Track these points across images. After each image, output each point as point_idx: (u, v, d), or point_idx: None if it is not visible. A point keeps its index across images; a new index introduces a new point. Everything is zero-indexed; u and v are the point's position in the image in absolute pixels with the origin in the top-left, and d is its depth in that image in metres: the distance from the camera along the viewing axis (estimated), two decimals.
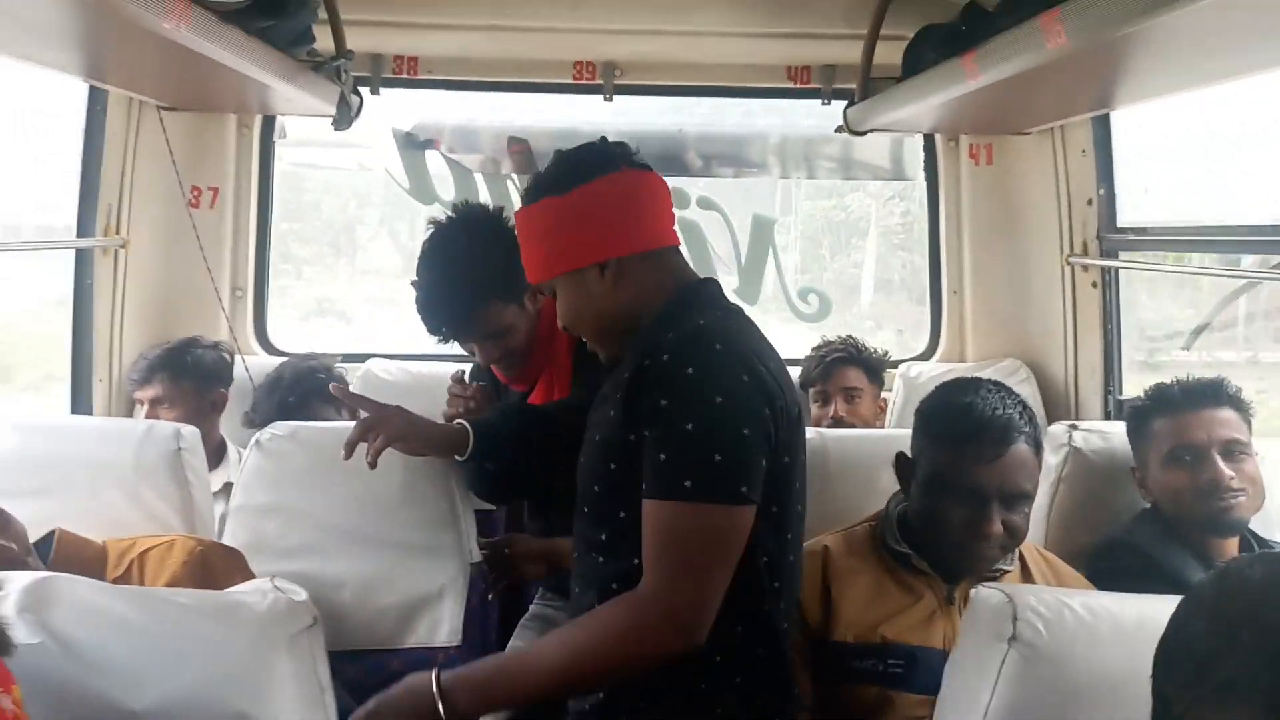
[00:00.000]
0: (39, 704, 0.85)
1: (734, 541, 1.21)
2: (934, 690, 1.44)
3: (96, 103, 2.41)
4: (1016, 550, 1.54)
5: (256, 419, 2.36)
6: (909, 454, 1.58)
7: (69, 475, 1.77)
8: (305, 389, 2.40)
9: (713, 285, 1.43)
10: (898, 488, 1.62)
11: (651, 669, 1.22)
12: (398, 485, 1.80)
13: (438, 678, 1.18)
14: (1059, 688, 1.00)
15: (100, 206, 2.47)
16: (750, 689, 1.28)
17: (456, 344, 1.91)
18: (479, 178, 3.04)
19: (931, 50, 2.14)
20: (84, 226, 2.45)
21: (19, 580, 0.98)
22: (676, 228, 1.46)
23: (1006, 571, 1.54)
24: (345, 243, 4.38)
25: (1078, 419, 2.29)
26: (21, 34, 1.67)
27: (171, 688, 0.93)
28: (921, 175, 3.04)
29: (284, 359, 2.76)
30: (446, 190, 3.02)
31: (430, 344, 1.93)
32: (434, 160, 3.03)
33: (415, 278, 1.86)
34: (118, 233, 2.51)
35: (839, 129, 2.75)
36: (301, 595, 1.02)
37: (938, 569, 1.53)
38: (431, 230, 1.87)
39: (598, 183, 1.37)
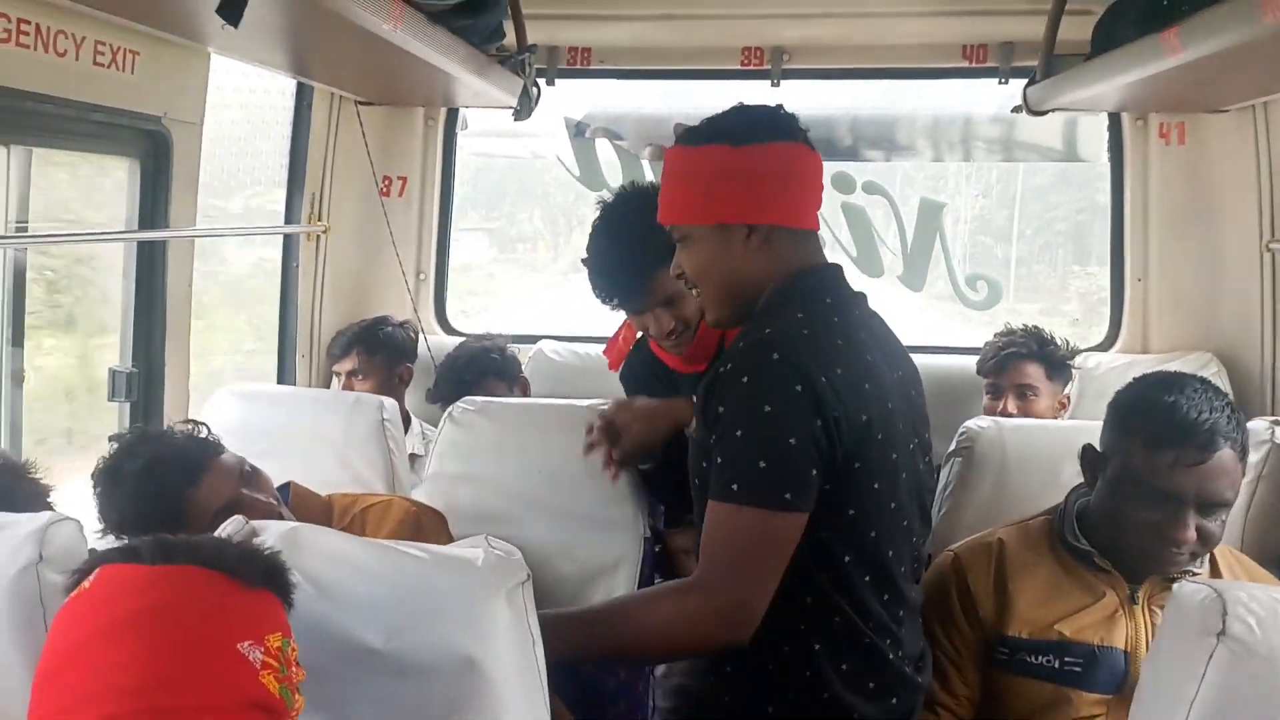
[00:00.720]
0: (300, 639, 0.95)
1: (779, 546, 1.27)
2: (1114, 690, 1.43)
3: (303, 99, 2.61)
4: (1208, 552, 1.48)
5: (437, 395, 2.53)
6: (1097, 447, 1.52)
7: (287, 440, 1.94)
8: (480, 368, 2.55)
9: (831, 272, 1.43)
10: (1078, 482, 1.56)
11: (693, 657, 1.34)
12: (578, 460, 1.88)
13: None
14: (1273, 685, 0.97)
15: (305, 195, 2.67)
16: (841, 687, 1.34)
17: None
18: (645, 164, 3.11)
19: (1128, 25, 2.04)
20: (291, 214, 2.66)
21: (274, 529, 1.10)
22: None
23: (1195, 574, 1.46)
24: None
25: (1276, 416, 2.16)
26: (248, 38, 1.84)
27: (406, 629, 1.02)
28: (1099, 156, 2.91)
29: (461, 338, 2.93)
30: (615, 177, 3.11)
31: (598, 326, 2.00)
32: (603, 148, 3.12)
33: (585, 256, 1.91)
34: (320, 219, 2.71)
35: (1016, 109, 2.66)
36: (516, 553, 1.11)
37: (1119, 568, 1.47)
38: (601, 207, 1.93)
39: (774, 146, 1.38)
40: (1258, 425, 1.85)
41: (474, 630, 1.03)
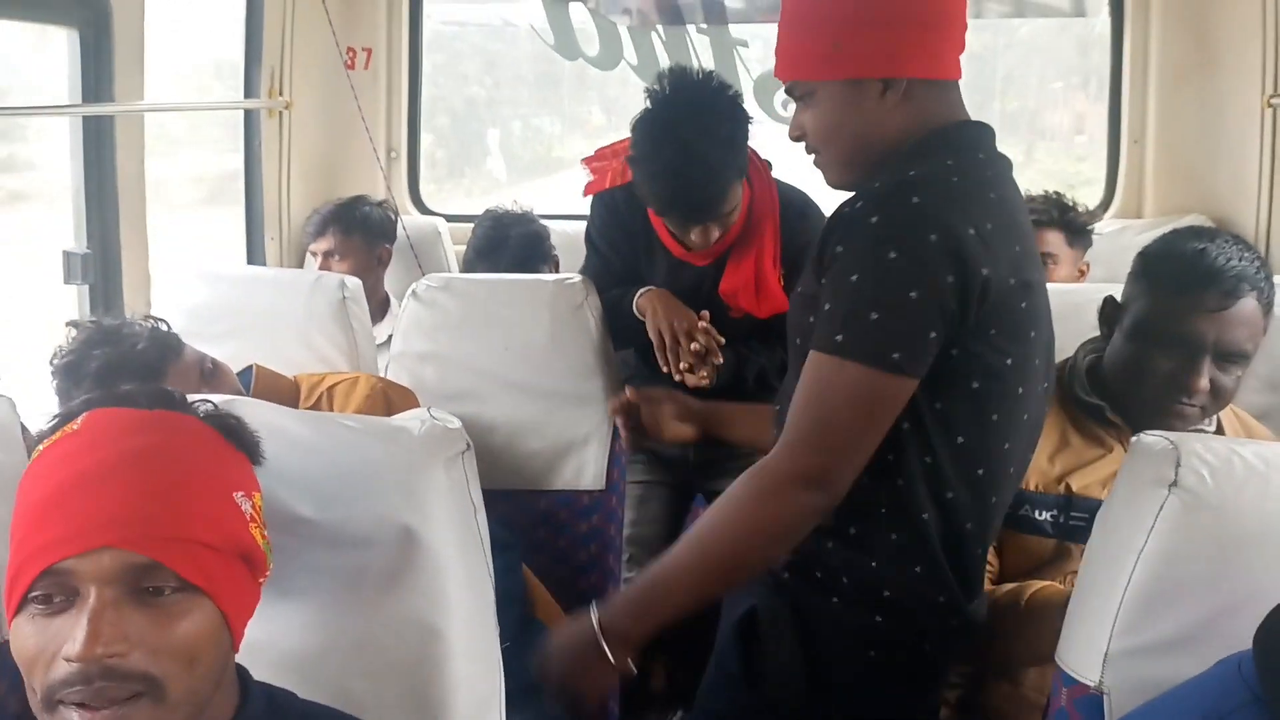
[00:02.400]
0: None
1: (879, 410, 1.11)
2: None
3: None
4: (1216, 416, 1.44)
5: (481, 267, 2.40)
6: (1118, 299, 1.46)
7: (250, 321, 1.91)
8: (533, 255, 2.40)
9: (985, 130, 1.24)
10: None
11: (789, 537, 1.14)
12: (546, 335, 1.86)
13: (599, 619, 1.17)
14: (1220, 538, 0.96)
15: (264, 69, 2.56)
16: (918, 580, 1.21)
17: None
18: (623, 30, 2.97)
19: None
20: (250, 88, 2.56)
21: (211, 400, 1.07)
22: None
23: (1205, 432, 1.42)
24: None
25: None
26: None
27: (342, 500, 1.01)
28: (1103, 10, 2.77)
29: (436, 217, 2.86)
30: (591, 45, 2.98)
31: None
32: (578, 14, 2.98)
33: (634, 151, 1.78)
34: (281, 94, 2.61)
35: None
36: (455, 423, 1.08)
37: (1129, 422, 1.43)
38: (657, 101, 1.77)
39: None
40: None
41: (411, 500, 1.02)
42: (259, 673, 0.94)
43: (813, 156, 1.28)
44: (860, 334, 1.09)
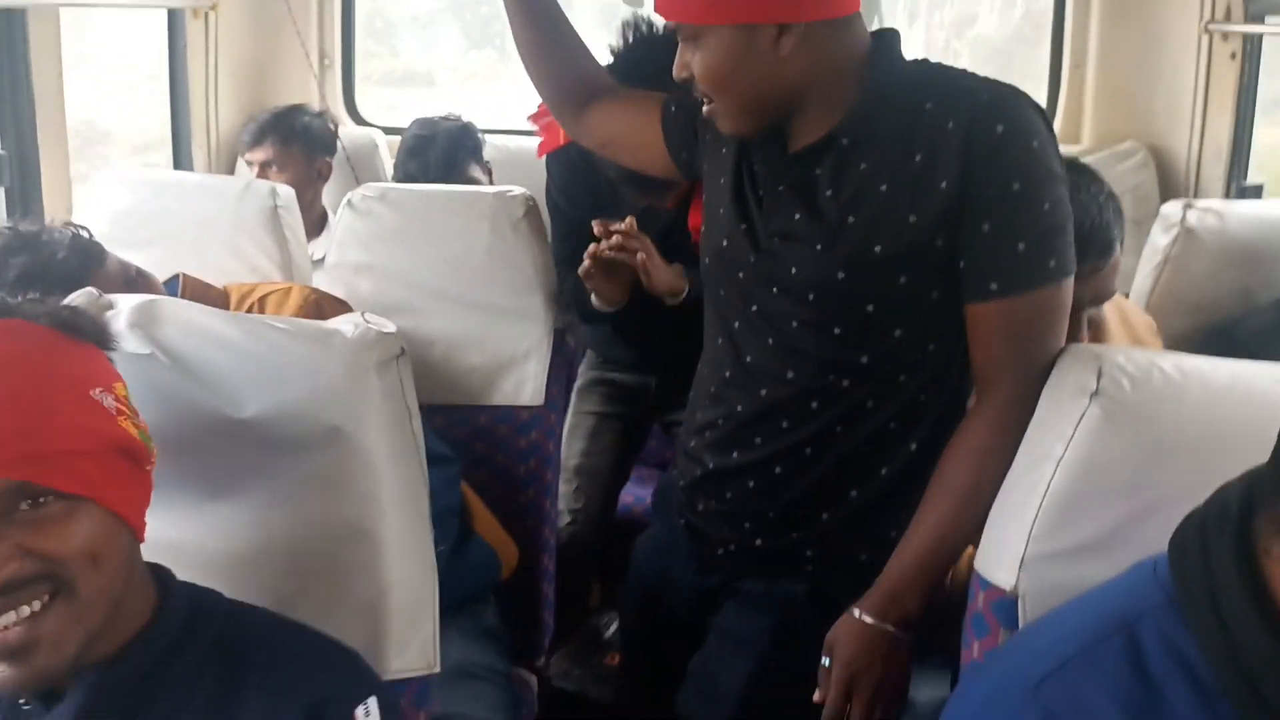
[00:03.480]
0: (150, 411, 0.91)
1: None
2: None
3: None
4: None
5: (408, 176, 2.36)
6: None
7: (176, 228, 1.84)
8: (460, 148, 2.36)
9: (894, 36, 1.16)
10: None
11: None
12: (484, 250, 1.82)
13: (874, 613, 1.14)
14: (1140, 445, 0.99)
15: None
16: None
17: None
18: None
19: None
20: None
21: (129, 300, 1.03)
22: None
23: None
24: None
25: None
26: None
27: (271, 401, 0.99)
28: None
29: (372, 128, 2.78)
30: None
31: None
32: None
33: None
34: None
35: None
36: (390, 327, 1.06)
37: None
38: (620, 59, 1.70)
39: None
40: (1171, 208, 1.83)
41: (343, 403, 1.00)
42: (186, 574, 0.93)
43: (706, 101, 1.17)
44: (1064, 252, 1.09)
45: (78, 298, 1.04)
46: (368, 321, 1.07)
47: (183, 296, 1.62)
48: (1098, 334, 1.50)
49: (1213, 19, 2.39)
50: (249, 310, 1.69)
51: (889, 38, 1.16)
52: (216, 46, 2.53)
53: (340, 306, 1.73)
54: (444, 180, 2.30)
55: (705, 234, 1.31)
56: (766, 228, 1.19)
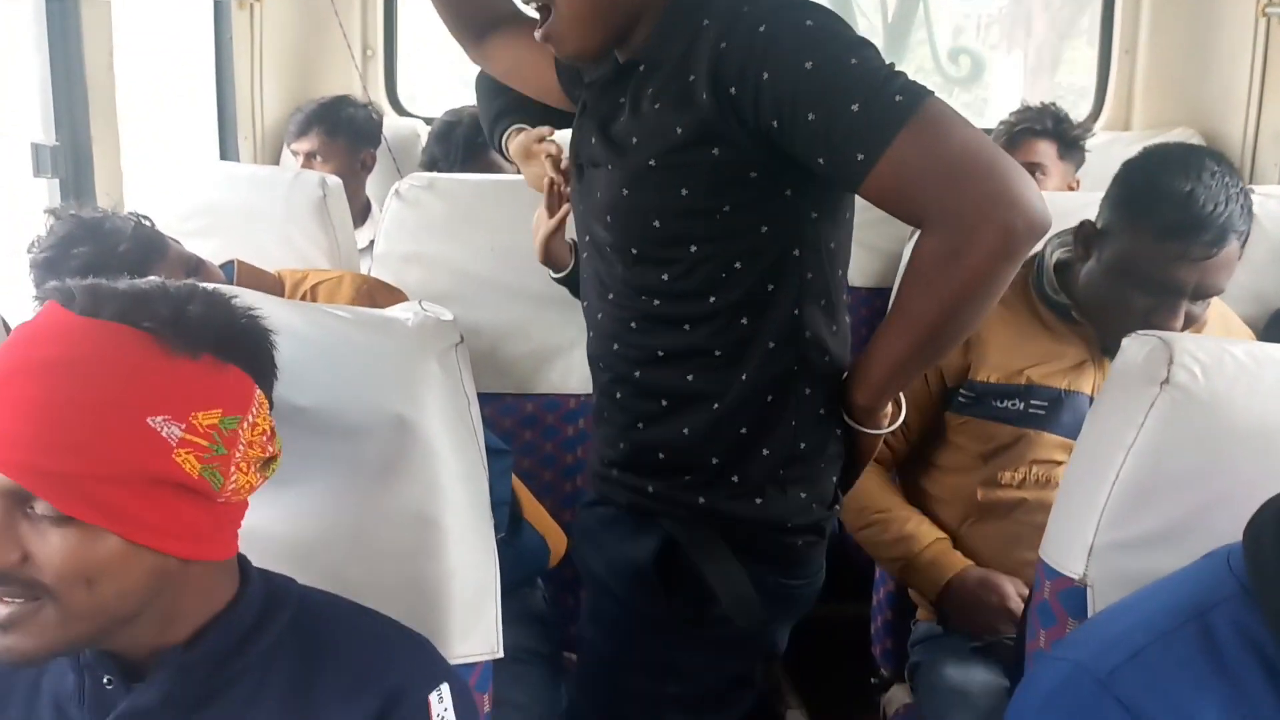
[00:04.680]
0: None
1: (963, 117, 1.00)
2: (1075, 434, 1.43)
3: None
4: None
5: (433, 166, 2.38)
6: (1095, 223, 1.44)
7: (227, 218, 1.87)
8: (481, 134, 2.36)
9: None
10: None
11: (1015, 258, 0.98)
12: (531, 237, 1.82)
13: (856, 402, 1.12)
14: (1211, 433, 0.97)
15: None
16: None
17: None
18: None
19: None
20: None
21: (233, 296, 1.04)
22: None
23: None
24: None
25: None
26: None
27: (334, 389, 1.00)
28: None
29: (414, 119, 2.79)
30: None
31: None
32: None
33: None
34: None
35: None
36: (448, 316, 1.06)
37: (1102, 338, 1.45)
38: None
39: None
40: None
41: (405, 390, 1.01)
42: (256, 559, 0.94)
43: (542, 23, 1.13)
44: (905, 84, 0.98)
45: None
46: (425, 310, 1.08)
47: (237, 282, 1.64)
48: (1196, 330, 1.47)
49: (1270, 2, 2.34)
50: (302, 297, 1.71)
51: None
52: (261, 37, 2.55)
53: (392, 293, 1.75)
54: (466, 164, 2.31)
55: None
56: (581, 155, 1.19)
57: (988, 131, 2.34)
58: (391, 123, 2.76)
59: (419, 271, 1.85)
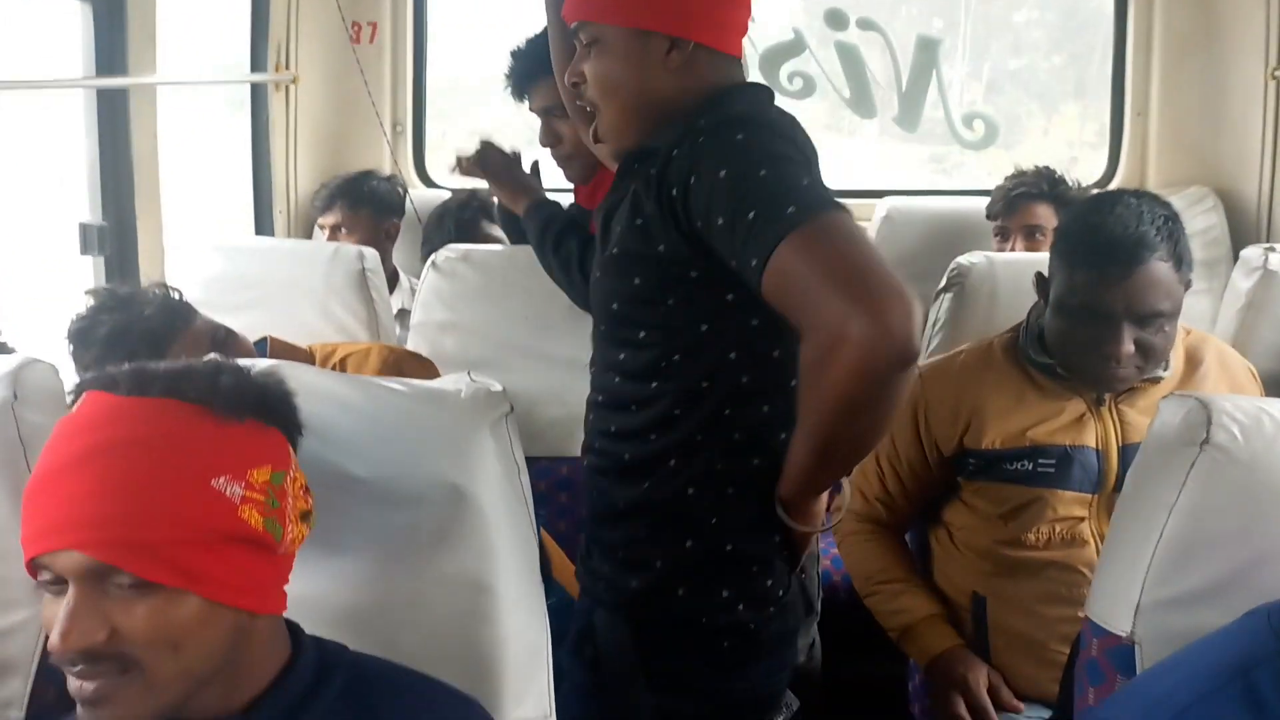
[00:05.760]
0: None
1: (863, 235, 1.01)
2: (1089, 489, 1.47)
3: None
4: (1165, 360, 1.48)
5: (429, 250, 2.46)
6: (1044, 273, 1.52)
7: (267, 292, 1.92)
8: (471, 210, 2.45)
9: (763, 90, 1.23)
10: None
11: (887, 379, 0.95)
12: (564, 305, 1.86)
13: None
14: (1251, 492, 0.98)
15: (270, 44, 2.55)
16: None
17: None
18: None
19: None
20: (256, 63, 2.55)
21: (250, 366, 1.08)
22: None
23: (1161, 377, 1.48)
24: None
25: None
26: None
27: (390, 460, 1.03)
28: None
29: (445, 192, 2.86)
30: None
31: None
32: None
33: None
34: (287, 68, 2.60)
35: None
36: (497, 387, 1.10)
37: (1079, 384, 1.50)
38: None
39: None
40: (1252, 252, 1.83)
41: (459, 461, 1.03)
42: (310, 627, 0.96)
43: (589, 109, 1.24)
44: (803, 196, 1.01)
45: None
46: (475, 380, 1.11)
47: (271, 357, 1.68)
48: (1189, 372, 1.50)
49: (1279, 65, 2.40)
50: (332, 369, 1.75)
51: (753, 89, 1.22)
52: (296, 117, 2.64)
53: (419, 362, 1.78)
54: (462, 240, 2.35)
55: None
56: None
57: (987, 193, 2.40)
58: (420, 194, 2.84)
59: (455, 340, 1.89)
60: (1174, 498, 1.00)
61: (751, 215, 1.02)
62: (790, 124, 1.16)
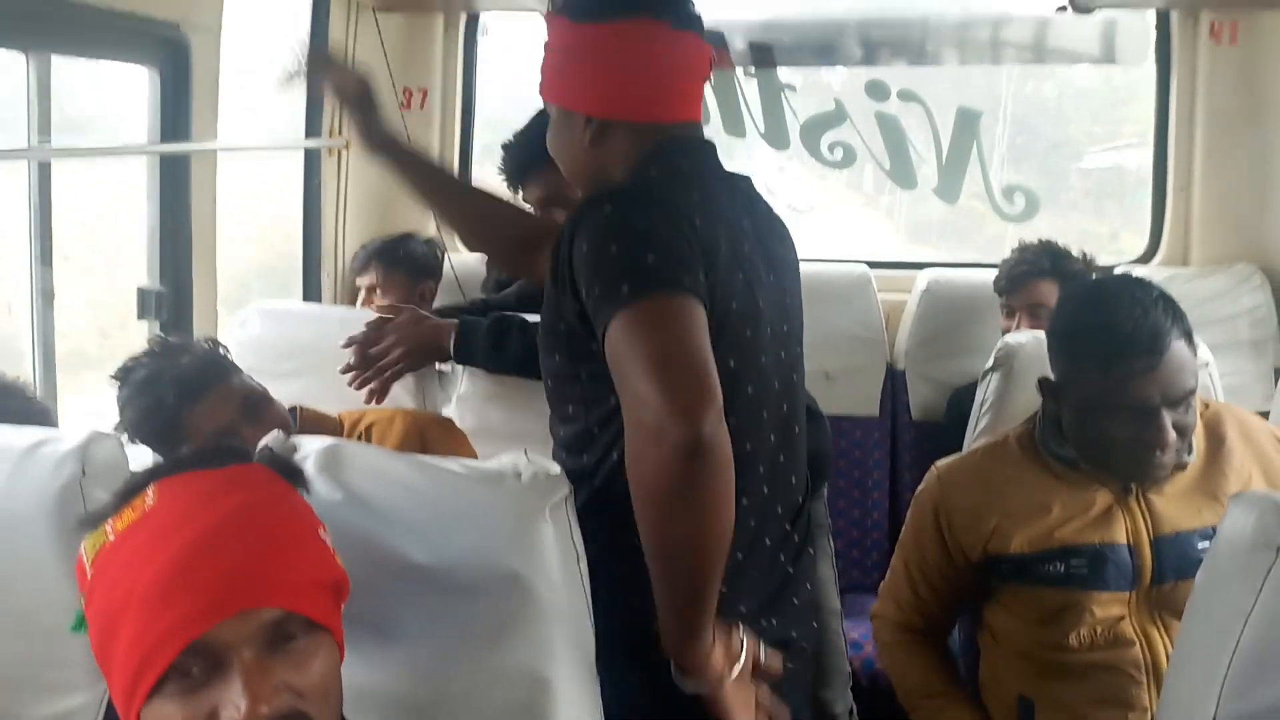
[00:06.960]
0: (343, 555, 0.95)
1: (695, 329, 1.04)
2: (1125, 586, 1.44)
3: (320, 6, 2.53)
4: (1189, 441, 1.45)
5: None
6: (1049, 378, 1.49)
7: (313, 359, 1.92)
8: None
9: (693, 144, 1.24)
10: None
11: (684, 474, 0.98)
12: None
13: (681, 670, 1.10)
14: None
15: (325, 109, 2.61)
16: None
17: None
18: None
19: None
20: (311, 128, 2.61)
21: (314, 443, 1.09)
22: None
23: (1186, 463, 1.46)
24: None
25: None
26: None
27: (451, 546, 1.02)
28: (1143, 58, 2.80)
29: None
30: None
31: None
32: None
33: None
34: (340, 134, 2.65)
35: (1061, 8, 2.56)
36: (556, 469, 1.09)
37: (1118, 480, 1.46)
38: None
39: (610, 26, 1.21)
40: None
41: (519, 547, 1.03)
42: (367, 718, 0.95)
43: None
44: (643, 273, 1.05)
45: (268, 440, 1.10)
46: (531, 460, 1.10)
47: (300, 427, 1.67)
48: (1213, 450, 1.48)
49: None
50: (359, 438, 1.74)
51: (668, 153, 1.22)
52: (347, 181, 2.69)
53: (444, 425, 1.77)
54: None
55: None
56: None
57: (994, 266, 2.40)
58: (462, 259, 2.86)
59: (500, 411, 1.88)
60: (1250, 605, 0.97)
61: (597, 290, 1.08)
62: (683, 187, 1.18)
